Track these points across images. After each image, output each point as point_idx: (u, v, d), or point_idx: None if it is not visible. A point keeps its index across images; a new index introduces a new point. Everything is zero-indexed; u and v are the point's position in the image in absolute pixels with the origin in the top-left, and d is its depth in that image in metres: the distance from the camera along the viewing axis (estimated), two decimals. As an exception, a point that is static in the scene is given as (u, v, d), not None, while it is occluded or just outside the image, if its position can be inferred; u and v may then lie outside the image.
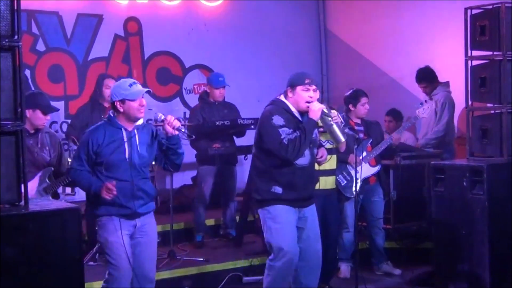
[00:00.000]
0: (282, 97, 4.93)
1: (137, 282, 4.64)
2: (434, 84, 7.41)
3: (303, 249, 4.93)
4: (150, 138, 4.68)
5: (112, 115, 4.62)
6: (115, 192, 4.42)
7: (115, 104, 4.55)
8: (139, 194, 4.59)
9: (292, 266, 4.88)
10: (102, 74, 7.11)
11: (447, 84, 7.38)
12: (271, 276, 4.90)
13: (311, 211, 5.01)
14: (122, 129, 4.57)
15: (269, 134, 4.80)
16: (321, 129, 5.23)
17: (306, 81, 4.83)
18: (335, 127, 5.06)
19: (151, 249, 4.72)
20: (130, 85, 4.57)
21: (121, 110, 4.55)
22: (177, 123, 4.62)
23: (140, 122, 4.68)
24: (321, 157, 5.04)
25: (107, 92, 6.65)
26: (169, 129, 4.60)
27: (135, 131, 4.62)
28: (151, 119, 8.36)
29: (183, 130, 4.66)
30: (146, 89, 4.63)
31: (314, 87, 4.85)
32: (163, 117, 4.66)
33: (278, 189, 4.83)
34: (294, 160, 4.78)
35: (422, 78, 7.45)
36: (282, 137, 4.72)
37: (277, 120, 4.78)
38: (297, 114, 4.87)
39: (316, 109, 4.77)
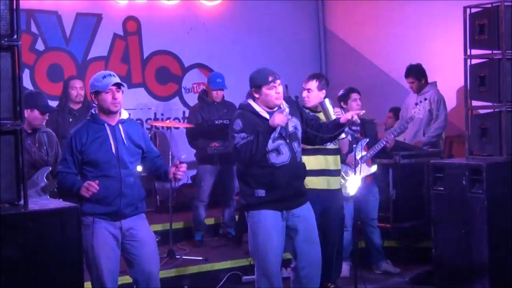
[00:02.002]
0: (250, 101, 4.85)
1: (141, 283, 4.55)
2: (421, 81, 7.45)
3: (301, 250, 4.86)
4: (137, 135, 4.60)
5: (94, 112, 4.55)
6: (94, 190, 4.31)
7: (92, 97, 4.51)
8: (127, 192, 4.48)
9: (274, 278, 4.78)
10: (69, 76, 7.10)
11: (435, 83, 7.46)
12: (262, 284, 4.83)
13: (305, 210, 4.88)
14: (105, 124, 4.48)
15: (230, 139, 4.78)
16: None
17: (270, 79, 4.72)
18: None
19: (148, 249, 4.58)
20: (104, 77, 4.47)
21: (96, 102, 4.49)
22: (181, 176, 4.57)
23: (125, 116, 4.60)
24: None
25: (73, 93, 6.64)
26: (178, 175, 4.52)
27: (120, 125, 4.53)
28: (150, 119, 8.41)
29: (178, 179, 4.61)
30: (117, 81, 4.46)
31: (278, 81, 4.76)
32: (184, 156, 4.59)
33: (261, 192, 4.72)
34: (250, 164, 4.68)
35: (409, 73, 7.48)
36: (236, 141, 4.68)
37: (236, 124, 4.72)
38: (264, 114, 4.76)
39: (275, 120, 4.61)
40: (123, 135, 4.52)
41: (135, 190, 4.56)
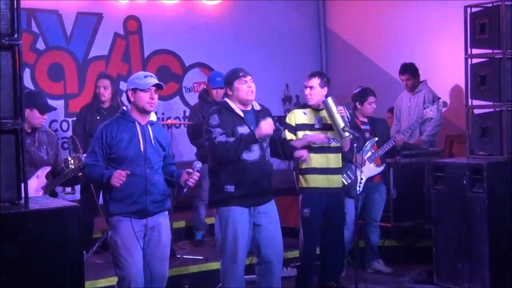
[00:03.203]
0: (226, 99, 5.07)
1: (148, 280, 4.61)
2: (416, 79, 7.46)
3: (264, 248, 5.03)
4: (163, 138, 4.69)
5: (125, 109, 4.66)
6: (124, 178, 4.35)
7: (127, 93, 4.58)
8: (152, 189, 4.55)
9: (241, 275, 5.02)
10: (99, 73, 7.13)
11: (426, 82, 7.50)
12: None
13: (269, 208, 5.07)
14: (136, 122, 4.57)
15: (205, 132, 4.94)
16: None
17: (241, 74, 4.95)
18: (339, 119, 5.34)
19: (162, 249, 4.66)
20: (145, 76, 4.59)
21: (132, 99, 4.56)
22: (192, 184, 4.59)
23: (153, 118, 4.69)
24: (302, 156, 5.20)
25: (96, 91, 6.67)
26: (189, 182, 4.56)
27: (149, 126, 4.61)
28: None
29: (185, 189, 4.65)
30: (157, 82, 4.57)
31: (249, 77, 4.97)
32: (199, 165, 4.63)
33: (230, 188, 4.90)
34: (224, 161, 4.85)
35: (405, 70, 7.50)
36: (213, 136, 4.83)
37: (213, 119, 4.90)
38: (238, 111, 4.96)
39: (262, 130, 4.82)
40: (151, 136, 4.60)
41: (160, 188, 4.62)
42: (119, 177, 4.36)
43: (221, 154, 4.84)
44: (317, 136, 5.46)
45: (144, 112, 4.58)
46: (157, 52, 8.55)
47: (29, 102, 5.06)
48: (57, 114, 7.60)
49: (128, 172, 4.39)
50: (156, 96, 4.57)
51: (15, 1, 3.62)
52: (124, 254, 4.49)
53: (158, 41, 8.52)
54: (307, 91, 5.62)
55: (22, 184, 3.66)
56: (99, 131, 4.58)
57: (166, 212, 4.74)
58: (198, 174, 4.59)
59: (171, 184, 4.73)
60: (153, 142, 4.59)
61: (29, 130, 5.21)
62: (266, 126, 4.83)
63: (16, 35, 3.63)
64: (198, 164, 4.62)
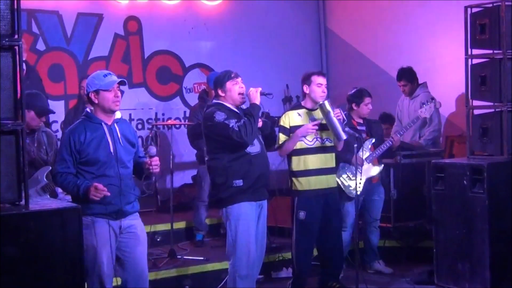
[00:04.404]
0: (219, 101, 5.12)
1: (131, 282, 4.55)
2: (413, 84, 7.42)
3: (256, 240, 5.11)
4: (130, 134, 4.62)
5: (89, 111, 4.55)
6: (105, 193, 4.30)
7: (90, 96, 4.48)
8: (126, 190, 4.49)
9: (255, 271, 5.10)
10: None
11: (425, 84, 7.43)
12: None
13: (265, 204, 5.21)
14: (102, 123, 4.48)
15: (218, 129, 4.95)
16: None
17: (232, 75, 5.06)
18: (336, 123, 5.37)
19: (141, 248, 4.59)
20: (105, 76, 4.49)
21: (96, 101, 4.46)
22: (156, 170, 4.53)
23: (118, 116, 4.61)
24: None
25: (81, 92, 6.66)
26: (152, 169, 4.51)
27: (115, 124, 4.54)
28: (151, 118, 8.42)
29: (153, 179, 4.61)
30: (120, 79, 4.52)
31: (240, 78, 5.09)
32: (154, 150, 4.58)
33: (239, 182, 4.99)
34: (249, 142, 4.94)
35: (401, 75, 7.46)
36: (231, 125, 4.89)
37: (219, 115, 4.95)
38: (234, 108, 5.07)
39: (254, 93, 5.02)
40: (119, 135, 4.53)
41: (132, 189, 4.57)
42: (97, 191, 4.28)
43: (244, 135, 4.87)
44: (304, 128, 5.47)
45: (110, 112, 4.50)
46: (157, 53, 8.55)
47: (27, 103, 5.02)
48: (58, 115, 7.58)
49: (102, 186, 4.32)
50: (120, 94, 4.50)
51: (15, 2, 3.63)
52: (102, 256, 4.39)
53: (158, 42, 8.53)
54: (323, 88, 5.59)
55: (23, 185, 3.66)
56: (66, 137, 4.47)
57: (137, 214, 4.65)
58: (156, 158, 4.51)
59: (140, 175, 4.61)
60: (121, 141, 4.51)
61: (28, 131, 5.20)
62: (252, 90, 5.02)
63: (16, 36, 3.64)
64: (153, 150, 4.56)
